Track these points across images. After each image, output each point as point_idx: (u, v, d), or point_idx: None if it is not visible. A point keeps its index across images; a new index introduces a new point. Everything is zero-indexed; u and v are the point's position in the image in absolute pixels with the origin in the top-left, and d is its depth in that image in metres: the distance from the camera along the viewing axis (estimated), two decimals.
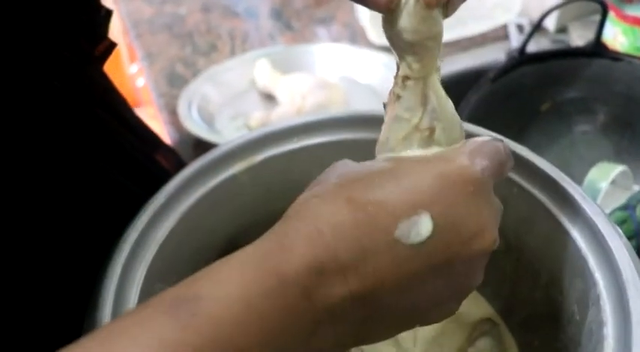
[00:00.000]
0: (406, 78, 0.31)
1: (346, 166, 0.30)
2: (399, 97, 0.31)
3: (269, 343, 0.23)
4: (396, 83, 0.32)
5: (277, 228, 0.27)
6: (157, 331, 0.22)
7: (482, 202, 0.29)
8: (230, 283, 0.24)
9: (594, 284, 0.34)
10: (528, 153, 0.39)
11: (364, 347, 0.41)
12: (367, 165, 0.31)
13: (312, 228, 0.26)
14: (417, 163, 0.30)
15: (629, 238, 0.58)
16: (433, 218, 0.27)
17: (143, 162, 0.48)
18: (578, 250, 0.35)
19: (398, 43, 0.30)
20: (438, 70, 0.31)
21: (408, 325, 0.29)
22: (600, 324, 0.32)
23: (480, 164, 0.29)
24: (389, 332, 0.29)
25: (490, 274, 0.44)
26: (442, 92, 0.32)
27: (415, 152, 0.31)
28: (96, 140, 0.41)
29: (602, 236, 0.34)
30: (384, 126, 0.33)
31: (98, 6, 0.42)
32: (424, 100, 0.31)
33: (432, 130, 0.31)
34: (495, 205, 0.31)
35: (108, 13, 0.43)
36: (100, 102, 0.44)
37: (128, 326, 0.22)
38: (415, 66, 0.30)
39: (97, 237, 0.37)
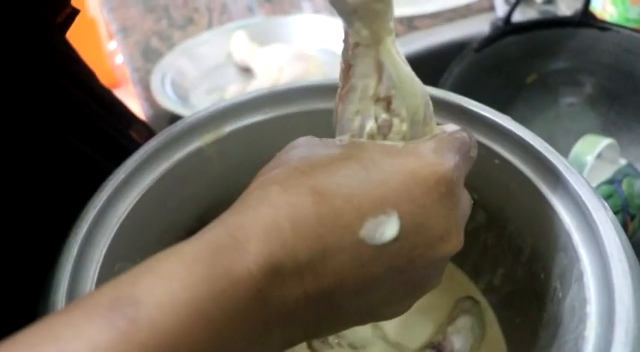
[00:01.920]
0: (356, 45, 0.28)
1: (310, 148, 0.28)
2: (350, 66, 0.29)
3: (216, 349, 0.21)
4: (345, 50, 0.29)
5: (231, 217, 0.25)
6: (91, 337, 0.19)
7: (453, 203, 0.28)
8: (176, 282, 0.21)
9: (578, 259, 0.32)
10: (511, 123, 0.38)
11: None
12: (332, 147, 0.28)
13: (270, 222, 0.24)
14: (387, 155, 0.28)
15: (615, 213, 0.56)
16: (401, 218, 0.25)
17: (113, 135, 0.46)
18: (562, 224, 0.34)
19: (341, 7, 0.27)
20: (391, 33, 0.28)
21: (360, 322, 0.28)
22: (583, 302, 0.31)
23: (453, 160, 0.28)
24: (339, 328, 0.28)
25: (471, 249, 0.44)
26: (398, 58, 0.29)
27: (383, 141, 0.29)
28: (58, 109, 0.39)
29: (587, 209, 0.32)
30: (336, 99, 0.30)
31: None
32: (378, 68, 0.28)
33: (388, 100, 0.29)
34: (465, 203, 0.29)
35: None
36: (62, 71, 0.42)
37: (59, 329, 0.20)
38: (364, 32, 0.27)
39: (63, 212, 0.35)
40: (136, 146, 0.49)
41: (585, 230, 0.33)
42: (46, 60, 0.38)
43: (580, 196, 0.33)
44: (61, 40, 0.45)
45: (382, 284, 0.26)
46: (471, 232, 0.42)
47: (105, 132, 0.45)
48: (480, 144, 0.38)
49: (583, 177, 0.34)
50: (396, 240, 0.25)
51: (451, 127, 0.31)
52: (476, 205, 0.41)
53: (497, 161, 0.38)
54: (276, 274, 0.23)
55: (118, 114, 0.52)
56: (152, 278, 0.21)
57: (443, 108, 0.39)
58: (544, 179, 0.35)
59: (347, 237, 0.25)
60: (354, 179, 0.26)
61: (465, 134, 0.30)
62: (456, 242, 0.28)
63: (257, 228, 0.24)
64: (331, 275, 0.24)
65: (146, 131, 0.58)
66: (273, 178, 0.26)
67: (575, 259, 0.33)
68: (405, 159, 0.27)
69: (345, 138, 0.30)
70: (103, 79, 0.53)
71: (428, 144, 0.29)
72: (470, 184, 0.38)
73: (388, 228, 0.25)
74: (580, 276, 0.32)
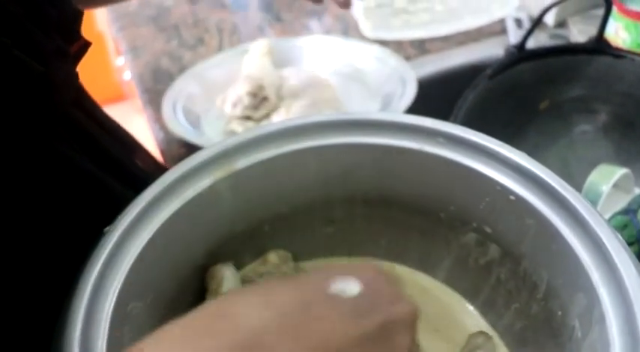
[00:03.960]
0: None
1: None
2: None
3: None
4: None
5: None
6: None
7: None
8: None
9: (599, 301, 0.32)
10: (527, 160, 0.37)
11: None
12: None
13: None
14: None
15: (630, 244, 0.56)
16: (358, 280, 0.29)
17: (122, 161, 0.46)
18: (580, 263, 0.33)
19: None
20: None
21: None
22: (606, 344, 0.30)
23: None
24: None
25: (484, 283, 0.43)
26: None
27: None
28: (70, 141, 0.40)
29: (607, 249, 0.32)
30: None
31: (70, 7, 0.41)
32: None
33: None
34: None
35: (79, 12, 0.41)
36: (76, 103, 0.43)
37: None
38: None
39: (75, 235, 0.36)
40: (143, 174, 0.49)
41: (605, 270, 0.32)
42: (61, 90, 0.38)
43: (599, 236, 0.33)
44: (76, 71, 0.45)
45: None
46: (484, 266, 0.42)
47: (115, 158, 0.45)
48: (495, 181, 0.38)
49: (602, 217, 0.34)
50: (362, 295, 0.28)
51: None
52: (489, 239, 0.41)
53: (512, 197, 0.37)
54: (265, 338, 0.25)
55: (123, 141, 0.52)
56: None
57: (459, 144, 0.39)
58: (561, 217, 0.35)
59: (320, 294, 0.28)
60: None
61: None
62: (411, 306, 0.30)
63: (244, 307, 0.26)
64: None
65: (150, 160, 0.58)
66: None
67: (595, 300, 0.32)
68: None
69: None
70: (110, 93, 0.53)
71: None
72: (482, 218, 0.37)
73: (352, 285, 0.29)
74: (602, 318, 0.31)
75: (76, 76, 0.45)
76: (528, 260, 0.39)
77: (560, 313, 0.36)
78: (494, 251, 0.41)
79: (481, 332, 0.43)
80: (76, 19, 0.41)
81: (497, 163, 0.38)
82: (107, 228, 0.35)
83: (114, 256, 0.34)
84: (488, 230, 0.41)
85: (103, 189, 0.41)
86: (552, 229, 0.35)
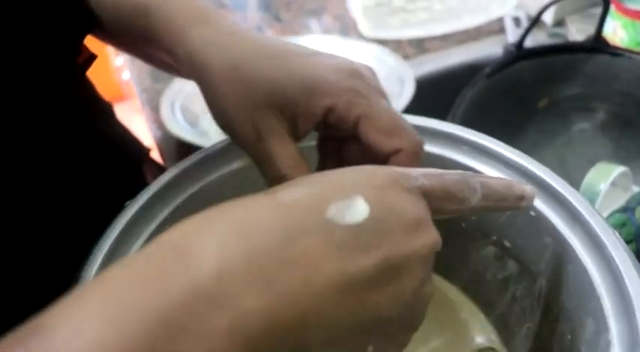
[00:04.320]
0: None
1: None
2: None
3: None
4: None
5: (176, 231, 0.22)
6: None
7: (419, 196, 0.25)
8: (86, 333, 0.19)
9: (606, 328, 0.30)
10: (551, 176, 0.36)
11: None
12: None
13: (226, 232, 0.22)
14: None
15: (629, 242, 0.56)
16: (367, 201, 0.23)
17: (123, 180, 0.45)
18: (593, 288, 0.32)
19: None
20: None
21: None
22: None
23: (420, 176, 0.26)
24: None
25: (500, 297, 0.42)
26: None
27: None
28: (71, 157, 0.39)
29: (622, 278, 0.30)
30: None
31: (69, 18, 0.40)
32: None
33: None
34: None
35: (84, 26, 0.41)
36: (78, 118, 0.42)
37: None
38: None
39: (71, 255, 0.35)
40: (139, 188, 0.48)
41: (617, 299, 0.31)
42: (59, 108, 0.38)
43: (616, 263, 0.31)
44: (79, 84, 0.45)
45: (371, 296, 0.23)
46: (502, 281, 0.41)
47: (117, 179, 0.44)
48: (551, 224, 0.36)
49: (623, 245, 0.32)
50: (368, 220, 0.23)
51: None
52: (508, 254, 0.40)
53: (532, 213, 0.36)
54: (229, 283, 0.20)
55: (131, 153, 0.51)
56: (61, 319, 0.20)
57: (484, 155, 0.38)
58: (580, 239, 0.34)
59: (312, 218, 0.22)
60: (306, 185, 0.25)
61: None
62: (432, 232, 0.25)
63: (208, 239, 0.21)
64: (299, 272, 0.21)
65: (158, 171, 0.57)
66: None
67: (603, 327, 0.31)
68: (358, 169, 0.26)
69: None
70: (110, 93, 0.53)
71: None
72: (502, 232, 0.35)
73: (357, 208, 0.23)
74: (607, 346, 0.30)
75: (79, 89, 0.45)
76: (544, 278, 0.37)
77: (569, 337, 0.35)
78: (512, 266, 0.40)
79: (491, 348, 0.42)
80: (79, 33, 0.41)
81: (518, 175, 0.37)
82: (128, 202, 0.35)
83: (110, 261, 0.33)
84: (507, 244, 0.40)
85: (95, 207, 0.40)
86: (570, 251, 0.34)
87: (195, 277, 0.20)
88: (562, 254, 0.35)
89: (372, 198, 0.23)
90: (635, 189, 0.63)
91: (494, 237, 0.40)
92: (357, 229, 0.23)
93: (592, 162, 0.63)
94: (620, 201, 0.59)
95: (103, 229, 0.34)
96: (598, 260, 0.33)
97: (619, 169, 0.60)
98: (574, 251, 0.34)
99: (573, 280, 0.34)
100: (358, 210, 0.23)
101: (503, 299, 0.42)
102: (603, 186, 0.59)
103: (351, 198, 0.23)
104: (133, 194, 0.36)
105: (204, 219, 0.23)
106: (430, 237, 0.25)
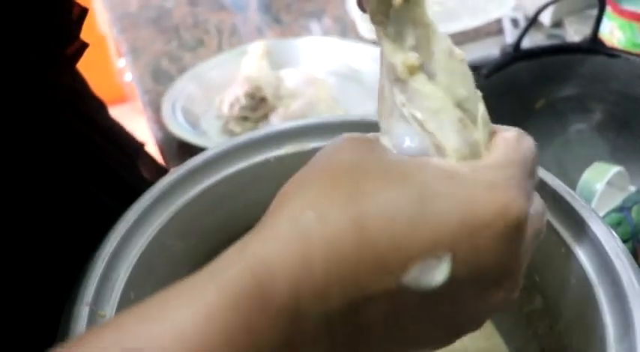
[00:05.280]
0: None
1: (358, 158, 0.24)
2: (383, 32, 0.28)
3: None
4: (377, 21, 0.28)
5: (255, 246, 0.22)
6: None
7: (519, 246, 0.24)
8: (189, 336, 0.19)
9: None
10: (590, 216, 0.34)
11: None
12: (385, 162, 0.25)
13: (301, 260, 0.21)
14: (448, 183, 0.23)
15: (625, 241, 0.56)
16: (454, 262, 0.22)
17: (118, 170, 0.46)
18: (606, 339, 0.31)
19: None
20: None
21: None
22: None
23: (526, 192, 0.24)
24: None
25: (521, 331, 0.40)
26: (428, 20, 0.27)
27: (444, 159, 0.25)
28: (63, 146, 0.39)
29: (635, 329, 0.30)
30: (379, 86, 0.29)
31: (71, 6, 0.40)
32: (412, 29, 0.27)
33: (414, 67, 0.27)
34: (528, 246, 0.25)
35: (82, 13, 0.41)
36: (69, 107, 0.42)
37: None
38: None
39: (68, 251, 0.35)
40: (143, 183, 0.48)
41: (621, 318, 0.30)
42: (49, 96, 0.38)
43: (621, 280, 0.31)
44: (68, 75, 0.45)
45: (418, 325, 0.24)
46: (526, 315, 0.40)
47: (111, 169, 0.45)
48: (553, 230, 0.35)
49: (632, 266, 0.31)
50: (444, 286, 0.22)
51: (510, 132, 0.28)
52: (535, 288, 0.38)
53: (563, 250, 0.35)
54: (301, 321, 0.21)
55: (125, 146, 0.51)
56: (160, 329, 0.20)
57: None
58: (605, 288, 0.32)
59: (388, 284, 0.21)
60: (404, 213, 0.22)
61: (528, 139, 0.27)
62: (510, 291, 0.24)
63: (285, 267, 0.21)
64: (364, 322, 0.22)
65: (153, 165, 0.58)
66: (310, 200, 0.23)
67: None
68: (469, 192, 0.23)
69: (393, 141, 0.27)
70: (112, 95, 0.53)
71: (496, 170, 0.24)
72: (533, 265, 0.34)
73: (437, 273, 0.22)
74: None
75: (69, 78, 0.45)
76: (564, 320, 0.36)
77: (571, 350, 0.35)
78: (538, 302, 0.39)
79: None
80: (78, 19, 0.40)
81: (558, 211, 0.35)
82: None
83: (109, 267, 0.34)
84: (536, 278, 0.38)
85: (93, 202, 0.40)
86: (592, 299, 0.32)
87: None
88: (584, 299, 0.33)
89: (461, 256, 0.22)
90: (632, 188, 0.63)
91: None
92: (426, 296, 0.22)
93: (589, 163, 0.63)
94: (616, 200, 0.59)
95: (100, 223, 0.35)
96: (617, 309, 0.32)
97: (615, 169, 0.60)
98: (596, 301, 0.32)
99: (590, 327, 0.32)
100: (437, 275, 0.22)
101: (524, 334, 0.40)
102: (599, 186, 0.59)
103: (437, 258, 0.22)
104: (128, 186, 0.36)
105: (277, 237, 0.23)
106: (504, 295, 0.24)
